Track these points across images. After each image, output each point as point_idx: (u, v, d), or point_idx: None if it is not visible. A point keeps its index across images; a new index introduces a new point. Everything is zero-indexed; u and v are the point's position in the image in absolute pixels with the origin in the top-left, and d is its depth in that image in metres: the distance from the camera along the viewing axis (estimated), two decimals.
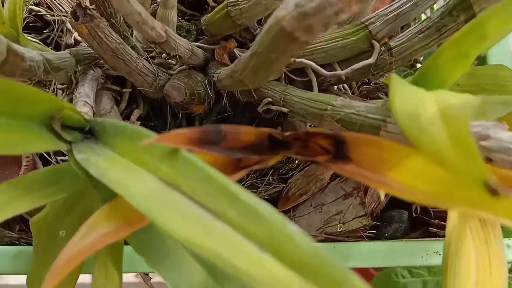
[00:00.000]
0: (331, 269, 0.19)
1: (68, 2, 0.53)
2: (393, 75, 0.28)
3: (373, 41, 0.43)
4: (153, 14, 0.53)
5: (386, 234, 0.49)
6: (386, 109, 0.37)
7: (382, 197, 0.29)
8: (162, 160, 0.26)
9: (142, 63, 0.43)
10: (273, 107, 0.44)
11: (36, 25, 0.53)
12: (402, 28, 0.52)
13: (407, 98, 0.25)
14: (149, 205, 0.23)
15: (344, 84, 0.52)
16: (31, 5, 0.53)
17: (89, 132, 0.32)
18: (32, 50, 0.34)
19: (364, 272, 0.83)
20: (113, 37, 0.40)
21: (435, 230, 0.50)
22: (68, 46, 0.50)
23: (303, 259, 0.20)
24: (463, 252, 0.30)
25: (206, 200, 0.23)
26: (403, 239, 0.48)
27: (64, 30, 0.52)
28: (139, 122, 0.44)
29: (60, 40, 0.52)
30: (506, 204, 0.19)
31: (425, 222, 0.51)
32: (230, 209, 0.22)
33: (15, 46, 0.31)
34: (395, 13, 0.41)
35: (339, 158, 0.29)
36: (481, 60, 0.52)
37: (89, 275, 0.33)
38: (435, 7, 0.58)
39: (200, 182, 0.24)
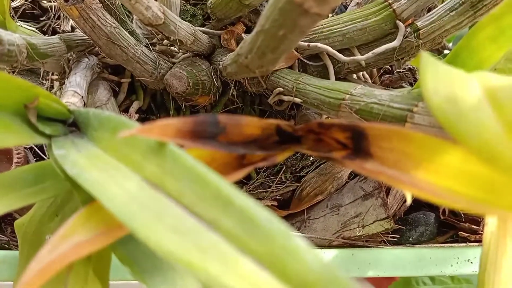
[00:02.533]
0: None
1: None
2: (423, 54, 0.23)
3: (398, 21, 0.38)
4: None
5: (411, 239, 0.44)
6: (412, 98, 0.32)
7: (409, 200, 0.25)
8: (148, 157, 0.22)
9: (141, 50, 0.39)
10: (285, 98, 0.39)
11: (33, 13, 0.50)
12: (428, 8, 0.47)
13: (442, 79, 0.20)
14: (129, 213, 0.19)
15: (364, 73, 0.47)
16: None
17: (74, 124, 0.29)
18: (14, 34, 0.31)
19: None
20: (107, 20, 0.36)
21: (466, 234, 0.45)
22: (65, 32, 0.47)
23: (311, 280, 0.16)
24: (503, 265, 0.26)
25: (197, 205, 0.19)
26: (430, 245, 0.43)
27: (61, 16, 0.48)
28: (138, 115, 0.40)
29: (57, 26, 0.49)
30: None
31: (454, 225, 0.46)
32: (224, 216, 0.18)
33: None
34: None
35: (358, 154, 0.25)
36: None
37: None
38: None
39: (190, 184, 0.20)
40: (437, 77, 0.20)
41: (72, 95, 0.33)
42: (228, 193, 0.18)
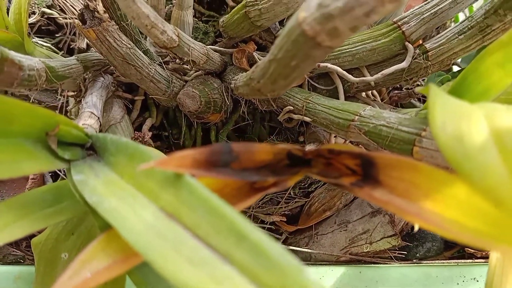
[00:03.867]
0: None
1: (82, 4, 0.51)
2: (431, 86, 0.24)
3: (407, 43, 0.38)
4: (169, 14, 0.50)
5: (418, 255, 0.44)
6: (421, 121, 0.33)
7: (416, 228, 0.26)
8: (164, 187, 0.23)
9: (155, 69, 0.40)
10: (295, 116, 0.40)
11: (49, 29, 0.51)
12: (437, 29, 0.47)
13: (450, 115, 0.21)
14: (146, 243, 0.20)
15: (374, 91, 0.48)
16: (44, 7, 0.51)
17: (91, 148, 0.30)
18: (33, 58, 0.32)
19: None
20: (123, 42, 0.37)
21: (472, 250, 0.45)
22: (80, 50, 0.48)
23: None
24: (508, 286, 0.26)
25: (213, 237, 0.20)
26: (436, 261, 0.44)
27: (77, 33, 0.49)
28: (151, 133, 0.41)
29: (73, 43, 0.50)
30: None
31: None
32: (238, 249, 0.19)
33: (12, 54, 0.29)
34: (432, 11, 0.37)
35: (367, 182, 0.26)
36: None
37: None
38: (475, 6, 0.53)
39: (205, 215, 0.21)
40: (445, 113, 0.21)
41: (89, 116, 0.34)
42: (243, 226, 0.19)
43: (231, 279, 0.18)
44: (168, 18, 0.49)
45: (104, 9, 0.46)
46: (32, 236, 0.43)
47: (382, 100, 0.51)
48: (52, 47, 0.48)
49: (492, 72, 0.30)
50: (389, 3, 0.20)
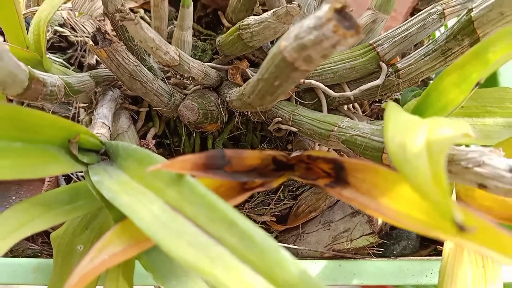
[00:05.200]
0: None
1: (91, 23, 0.56)
2: (389, 103, 0.29)
3: (381, 62, 0.44)
4: (170, 34, 0.55)
5: (395, 252, 0.49)
6: None
7: (379, 222, 0.30)
8: (169, 185, 0.27)
9: (158, 84, 0.45)
10: (283, 126, 0.45)
11: (61, 45, 0.56)
12: (415, 45, 0.52)
13: (399, 128, 0.26)
14: (156, 230, 0.25)
15: (355, 104, 0.53)
16: (56, 26, 0.56)
17: (105, 153, 0.35)
18: (53, 75, 0.37)
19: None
20: (130, 60, 0.42)
21: (442, 248, 0.50)
22: (90, 66, 0.53)
23: (292, 282, 0.21)
24: (459, 274, 0.31)
25: (208, 225, 0.25)
26: (411, 257, 0.48)
27: (87, 50, 0.54)
28: (155, 141, 0.46)
29: (83, 59, 0.55)
30: (478, 236, 0.20)
31: (435, 240, 0.51)
32: (229, 234, 0.24)
33: (37, 72, 0.34)
34: (402, 35, 0.42)
35: (339, 183, 0.31)
36: (492, 81, 0.52)
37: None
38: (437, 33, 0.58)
39: (203, 208, 0.25)
40: (395, 126, 0.26)
41: (101, 126, 0.39)
42: (233, 216, 0.24)
43: (222, 257, 0.23)
44: (169, 37, 0.54)
45: (112, 29, 0.51)
46: (48, 233, 0.48)
47: (364, 112, 0.56)
48: (64, 62, 0.53)
49: (450, 90, 0.35)
50: (350, 37, 0.25)
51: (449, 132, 0.25)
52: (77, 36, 0.55)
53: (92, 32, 0.42)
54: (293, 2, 0.39)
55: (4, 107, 0.25)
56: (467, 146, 0.32)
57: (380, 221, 0.50)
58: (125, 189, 0.29)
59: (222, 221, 0.24)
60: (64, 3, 0.44)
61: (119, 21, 0.34)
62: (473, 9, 0.36)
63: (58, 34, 0.56)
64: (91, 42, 0.41)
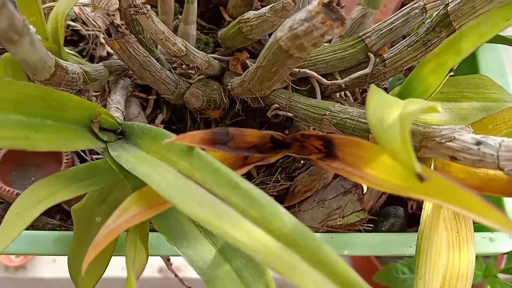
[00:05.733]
0: (309, 240, 0.25)
1: (101, 18, 0.60)
2: (372, 86, 0.33)
3: (369, 53, 0.48)
4: (176, 27, 0.59)
5: (383, 228, 0.53)
6: None
7: (365, 189, 0.34)
8: (181, 156, 0.32)
9: (166, 74, 0.49)
10: (280, 112, 0.49)
11: (73, 39, 0.60)
12: (403, 36, 0.57)
13: (379, 105, 0.30)
14: (171, 193, 0.29)
15: (347, 91, 0.57)
16: (69, 20, 0.60)
17: (121, 133, 0.39)
18: (73, 64, 0.41)
19: (370, 267, 0.87)
20: (140, 51, 0.46)
21: None
22: (101, 58, 0.57)
23: (288, 232, 0.25)
24: (435, 239, 0.35)
25: (215, 188, 0.29)
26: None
27: (98, 43, 0.58)
28: (163, 125, 0.50)
29: (94, 52, 0.59)
30: (434, 188, 0.24)
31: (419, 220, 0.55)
32: (233, 195, 0.28)
33: (61, 61, 0.38)
34: (388, 28, 0.46)
35: (329, 157, 0.35)
36: (473, 68, 0.56)
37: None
38: None
39: (210, 174, 0.30)
40: (376, 104, 0.30)
41: (115, 110, 0.43)
42: (236, 179, 0.28)
43: (228, 213, 0.27)
44: (175, 30, 0.58)
45: (122, 23, 0.55)
46: (64, 210, 0.52)
47: (356, 99, 0.60)
48: (77, 55, 0.57)
49: (429, 77, 0.39)
50: (337, 28, 0.29)
51: (417, 106, 0.29)
52: (88, 30, 0.59)
53: (106, 25, 0.46)
54: None
55: (40, 88, 0.29)
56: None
57: (371, 202, 0.54)
58: (142, 161, 0.33)
59: (227, 184, 0.29)
60: None
61: (133, 15, 0.38)
62: (449, 4, 0.40)
63: (70, 28, 0.60)
64: (104, 35, 0.45)
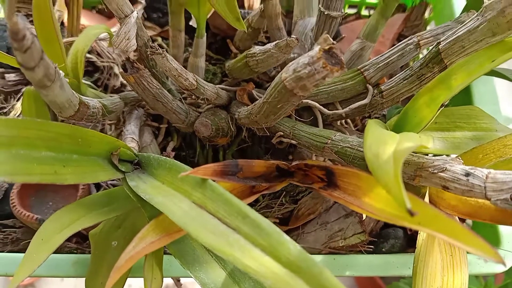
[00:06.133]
0: (312, 266, 0.27)
1: (115, 52, 0.64)
2: (369, 120, 0.36)
3: (368, 84, 0.51)
4: (185, 59, 0.63)
5: (384, 249, 0.56)
6: None
7: (364, 217, 0.37)
8: (194, 188, 0.34)
9: (177, 104, 0.53)
10: (284, 140, 0.52)
11: (88, 69, 0.64)
12: (401, 67, 0.60)
13: (375, 140, 0.33)
14: (186, 222, 0.32)
15: (348, 119, 0.60)
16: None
17: (137, 164, 0.42)
18: (93, 99, 0.44)
19: (374, 286, 0.89)
20: (154, 84, 0.49)
21: None
22: (114, 87, 0.61)
23: (293, 260, 0.28)
24: (430, 262, 0.38)
25: (227, 218, 0.32)
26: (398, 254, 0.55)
27: (112, 74, 0.62)
28: (174, 153, 0.53)
29: (108, 82, 0.62)
30: (425, 219, 0.27)
31: None
32: (243, 224, 0.31)
33: (83, 98, 0.41)
34: (385, 62, 0.49)
35: (330, 186, 0.38)
36: (467, 99, 0.59)
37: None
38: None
39: (222, 205, 0.32)
40: (373, 138, 0.33)
41: (131, 140, 0.47)
42: (246, 210, 0.31)
43: (238, 242, 0.30)
44: (184, 61, 0.62)
45: (135, 56, 0.59)
46: (81, 234, 0.55)
47: (356, 126, 0.63)
48: (92, 85, 0.61)
49: (423, 109, 0.42)
50: (336, 71, 0.32)
51: (410, 144, 0.32)
52: (103, 62, 0.63)
53: (122, 61, 0.49)
54: (292, 36, 0.46)
55: (68, 127, 0.33)
56: (437, 155, 0.39)
57: (372, 224, 0.57)
58: (158, 191, 0.36)
59: (237, 214, 0.31)
60: (97, 35, 0.51)
61: (150, 55, 0.41)
62: (441, 42, 0.43)
63: (86, 59, 0.64)
64: (121, 70, 0.48)
